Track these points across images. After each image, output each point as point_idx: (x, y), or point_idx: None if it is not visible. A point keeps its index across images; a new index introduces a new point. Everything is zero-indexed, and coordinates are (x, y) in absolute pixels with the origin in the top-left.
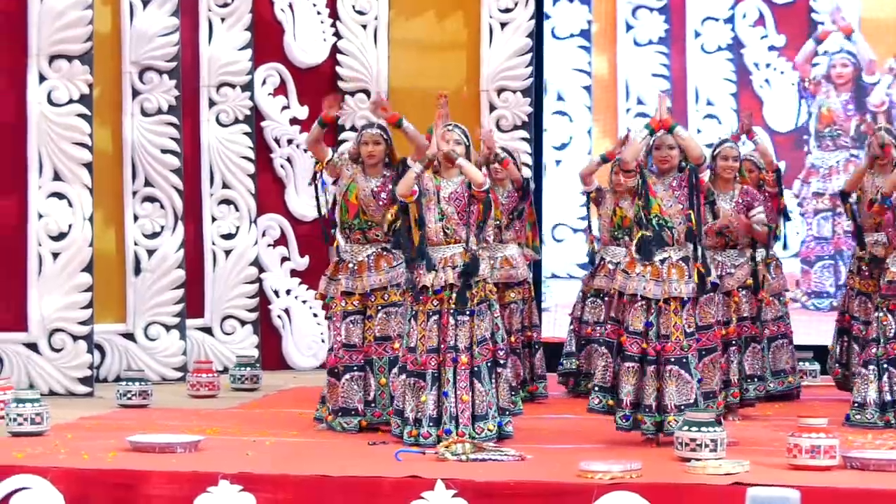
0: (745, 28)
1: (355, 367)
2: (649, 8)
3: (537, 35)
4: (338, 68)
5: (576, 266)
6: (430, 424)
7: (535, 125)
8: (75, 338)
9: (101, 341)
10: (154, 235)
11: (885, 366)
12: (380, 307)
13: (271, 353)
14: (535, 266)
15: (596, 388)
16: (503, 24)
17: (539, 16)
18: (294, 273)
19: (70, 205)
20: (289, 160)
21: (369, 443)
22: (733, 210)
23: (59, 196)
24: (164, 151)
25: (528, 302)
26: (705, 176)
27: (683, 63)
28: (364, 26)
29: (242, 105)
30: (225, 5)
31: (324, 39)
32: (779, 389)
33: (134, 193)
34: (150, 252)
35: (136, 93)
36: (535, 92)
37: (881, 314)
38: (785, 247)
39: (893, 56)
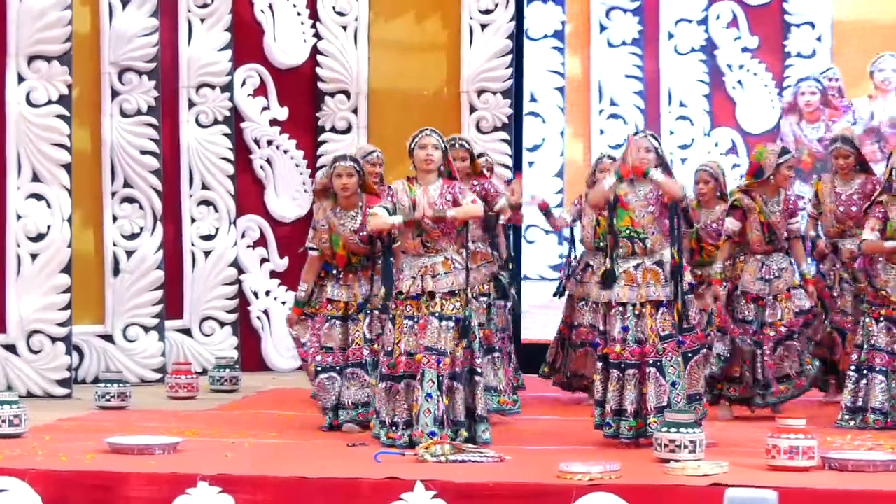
0: (718, 29)
1: (330, 368)
2: (623, 9)
3: (517, 37)
4: (318, 69)
5: (548, 268)
6: (403, 427)
7: (514, 127)
8: (54, 339)
9: (80, 343)
10: (133, 236)
11: (865, 371)
12: (369, 310)
13: (250, 355)
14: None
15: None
16: (483, 26)
17: (519, 17)
18: (273, 274)
19: (49, 206)
20: (268, 161)
21: (348, 444)
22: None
23: (38, 197)
24: (143, 152)
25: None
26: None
27: (656, 64)
28: (344, 27)
29: (222, 106)
30: (204, 6)
31: (304, 40)
32: None
33: (113, 194)
34: (129, 253)
35: (115, 93)
36: (515, 93)
37: (867, 320)
38: None
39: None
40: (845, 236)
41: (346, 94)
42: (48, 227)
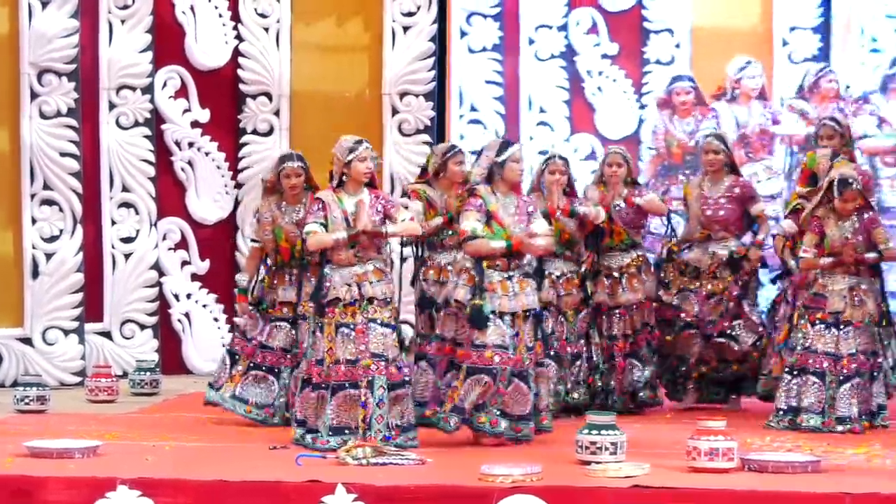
0: (578, 36)
1: (263, 368)
2: (483, 14)
3: (440, 39)
4: (239, 71)
5: None
6: (330, 433)
7: (437, 129)
8: None
9: None
10: (52, 239)
11: (797, 373)
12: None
13: (171, 358)
14: None
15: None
16: (406, 28)
17: (442, 20)
18: (195, 277)
19: None
20: (190, 163)
21: (270, 447)
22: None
23: None
24: (62, 154)
25: None
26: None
27: (516, 70)
28: (266, 29)
29: (143, 108)
30: (125, 7)
31: (225, 42)
32: None
33: (32, 196)
34: (49, 255)
35: (34, 95)
36: (438, 96)
37: (801, 322)
38: None
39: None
40: (710, 241)
41: (268, 96)
42: None
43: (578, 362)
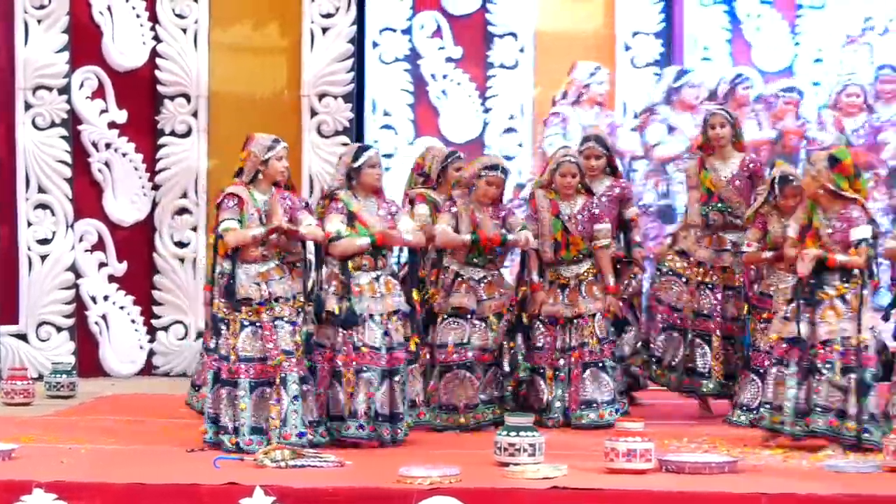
0: (422, 39)
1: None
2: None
3: (359, 41)
4: (157, 72)
5: None
6: (250, 433)
7: (356, 131)
8: None
9: None
10: None
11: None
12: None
13: (88, 360)
14: None
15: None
16: (324, 30)
17: (361, 22)
18: (112, 279)
19: None
20: (107, 164)
21: (188, 450)
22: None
23: None
24: None
25: None
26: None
27: (362, 73)
28: (184, 30)
29: (59, 108)
30: (41, 7)
31: (143, 43)
32: None
33: None
34: None
35: None
36: (357, 97)
37: (750, 321)
38: None
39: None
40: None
41: (186, 97)
42: None
43: (490, 371)
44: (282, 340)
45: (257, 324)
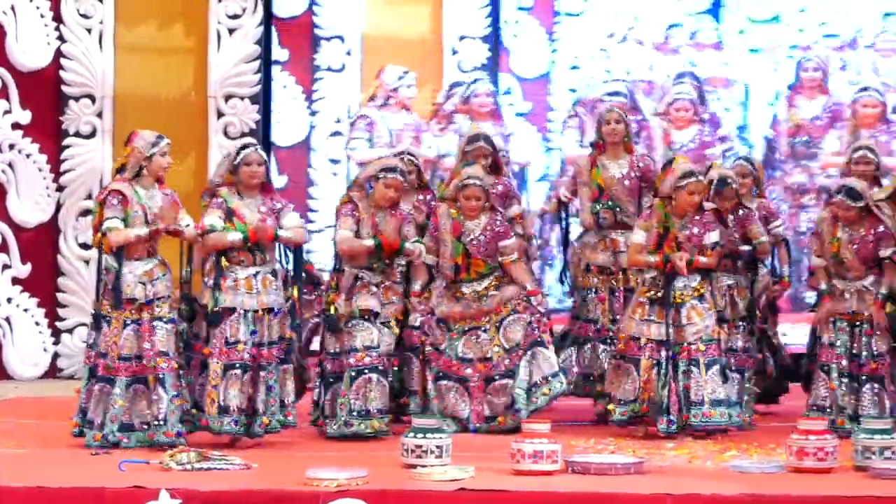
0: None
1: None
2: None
3: (266, 42)
4: (62, 72)
5: None
6: (120, 430)
7: (262, 132)
8: None
9: None
10: None
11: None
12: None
13: None
14: None
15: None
16: (231, 31)
17: (267, 22)
18: (16, 281)
19: None
20: (10, 166)
21: (92, 453)
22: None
23: None
24: None
25: None
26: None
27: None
28: (89, 30)
29: None
30: None
31: (47, 43)
32: None
33: None
34: None
35: None
36: (263, 98)
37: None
38: None
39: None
40: None
41: (92, 98)
42: None
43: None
44: (159, 342)
45: (138, 322)
